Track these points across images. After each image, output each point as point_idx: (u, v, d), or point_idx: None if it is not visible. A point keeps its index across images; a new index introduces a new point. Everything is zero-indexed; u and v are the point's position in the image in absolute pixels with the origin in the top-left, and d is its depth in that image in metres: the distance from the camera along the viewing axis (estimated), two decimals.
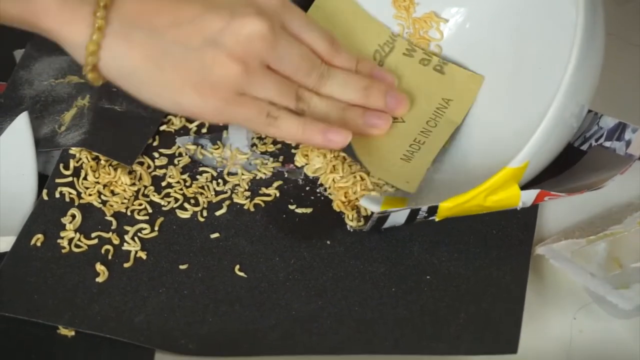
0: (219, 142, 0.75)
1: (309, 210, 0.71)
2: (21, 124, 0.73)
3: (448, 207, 0.64)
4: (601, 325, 0.65)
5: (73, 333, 0.63)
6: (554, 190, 0.65)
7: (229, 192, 0.71)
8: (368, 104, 0.69)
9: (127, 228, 0.69)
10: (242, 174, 0.72)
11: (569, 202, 0.69)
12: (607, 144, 0.69)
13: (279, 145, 0.74)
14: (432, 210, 0.64)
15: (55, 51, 0.78)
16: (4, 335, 0.63)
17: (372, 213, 0.67)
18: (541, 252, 0.67)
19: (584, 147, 0.70)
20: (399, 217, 0.65)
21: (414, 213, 0.64)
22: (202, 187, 0.72)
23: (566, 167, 0.70)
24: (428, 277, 0.67)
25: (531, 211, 0.70)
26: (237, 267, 0.67)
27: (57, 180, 0.71)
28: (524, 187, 0.64)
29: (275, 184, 0.72)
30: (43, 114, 0.76)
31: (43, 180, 0.71)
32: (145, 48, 0.62)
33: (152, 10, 0.63)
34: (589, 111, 0.70)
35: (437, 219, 0.65)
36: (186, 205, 0.70)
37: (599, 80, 0.65)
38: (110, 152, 0.72)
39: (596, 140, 0.70)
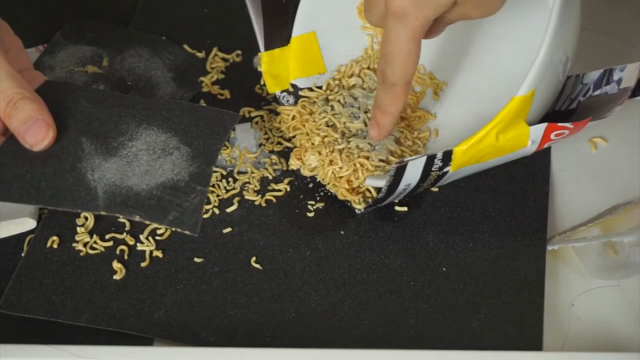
0: (226, 143, 0.74)
1: (321, 204, 0.71)
2: None
3: (462, 150, 0.63)
4: (599, 312, 0.65)
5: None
6: (560, 123, 0.64)
7: (239, 188, 0.72)
8: None
9: (141, 228, 0.68)
10: (252, 172, 0.73)
11: (576, 201, 0.71)
12: (597, 92, 0.69)
13: (286, 144, 0.75)
14: (447, 157, 0.63)
15: (82, 41, 0.80)
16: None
17: (380, 190, 0.66)
18: None
19: (573, 106, 0.70)
20: (415, 170, 0.64)
21: (429, 162, 0.63)
22: (213, 186, 0.71)
23: None
24: (444, 269, 0.66)
25: (542, 198, 0.70)
26: (253, 259, 0.67)
27: None
28: None
29: (286, 180, 0.72)
30: None
31: None
32: None
33: None
34: (570, 76, 0.70)
35: (451, 170, 0.64)
36: None
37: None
38: None
39: (583, 96, 0.69)
